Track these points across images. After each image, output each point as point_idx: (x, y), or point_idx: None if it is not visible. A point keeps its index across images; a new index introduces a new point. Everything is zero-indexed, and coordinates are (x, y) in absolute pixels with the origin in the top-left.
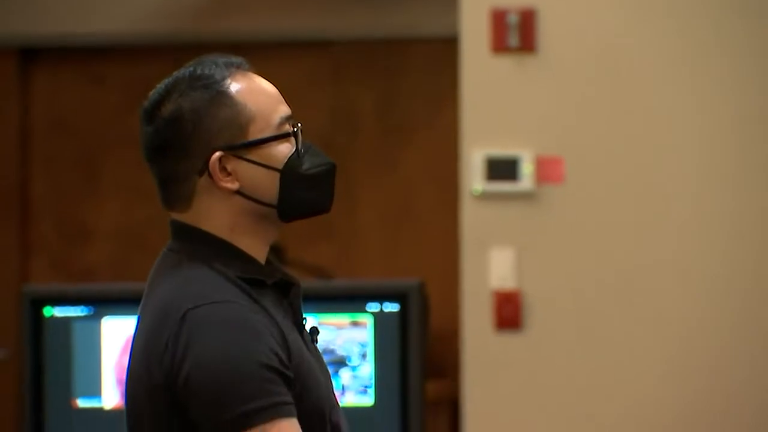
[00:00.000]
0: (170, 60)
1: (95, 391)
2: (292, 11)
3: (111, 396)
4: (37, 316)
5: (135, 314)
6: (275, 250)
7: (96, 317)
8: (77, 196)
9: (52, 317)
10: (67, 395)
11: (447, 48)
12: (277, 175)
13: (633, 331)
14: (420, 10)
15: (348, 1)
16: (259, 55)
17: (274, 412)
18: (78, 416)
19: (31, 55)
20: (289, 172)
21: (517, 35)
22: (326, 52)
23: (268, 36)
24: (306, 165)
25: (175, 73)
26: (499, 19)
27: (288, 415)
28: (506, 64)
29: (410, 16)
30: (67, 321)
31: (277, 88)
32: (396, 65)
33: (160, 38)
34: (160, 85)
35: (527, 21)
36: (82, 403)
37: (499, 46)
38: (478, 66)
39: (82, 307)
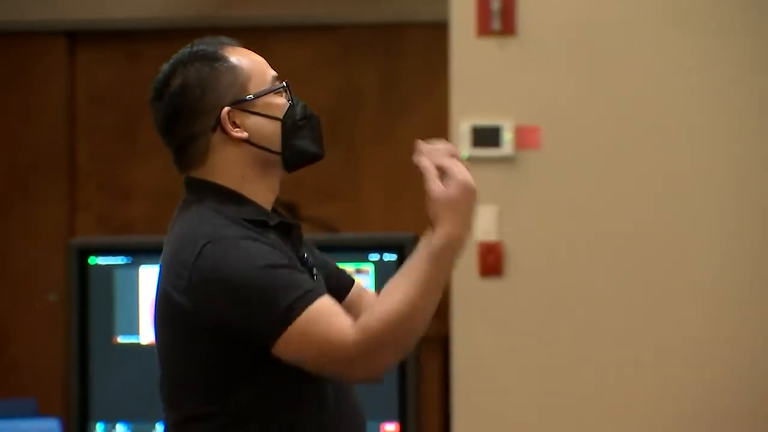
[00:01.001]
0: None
1: (133, 329)
2: (305, 2)
3: (147, 333)
4: (83, 265)
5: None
6: (290, 208)
7: (134, 265)
8: (117, 159)
9: (96, 266)
10: (109, 333)
11: (439, 32)
12: (278, 123)
13: (601, 276)
14: None
15: None
16: (273, 37)
17: (308, 298)
18: (118, 351)
19: (76, 38)
20: (288, 120)
21: (499, 20)
22: (333, 35)
23: (282, 21)
24: (298, 112)
25: (175, 56)
26: (483, 6)
27: (318, 296)
28: (490, 45)
29: (407, 4)
30: (109, 269)
31: (283, 70)
32: (395, 47)
33: (187, 22)
34: (164, 67)
35: (508, 8)
36: (122, 339)
37: (484, 30)
38: (466, 48)
39: (122, 256)
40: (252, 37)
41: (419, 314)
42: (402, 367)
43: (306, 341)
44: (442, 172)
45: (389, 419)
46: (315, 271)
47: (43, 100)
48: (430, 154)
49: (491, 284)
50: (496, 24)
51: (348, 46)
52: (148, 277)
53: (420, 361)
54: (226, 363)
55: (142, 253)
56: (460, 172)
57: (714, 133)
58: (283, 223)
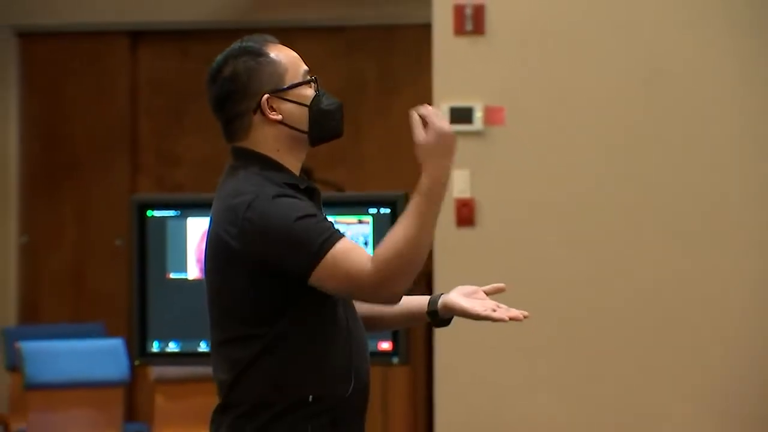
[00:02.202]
0: (233, 39)
1: (182, 268)
2: (317, 4)
3: (193, 270)
4: (142, 217)
5: (209, 216)
6: (306, 172)
7: (182, 217)
8: (169, 134)
9: (152, 217)
10: (163, 270)
11: (424, 32)
12: (306, 109)
13: (553, 226)
14: (407, 5)
15: None
16: (293, 36)
17: (334, 239)
18: (170, 284)
19: (138, 37)
20: (314, 107)
21: (471, 23)
22: (341, 34)
23: (300, 23)
24: (324, 103)
25: (228, 48)
26: (459, 11)
27: (341, 237)
28: (464, 43)
29: (400, 9)
30: (162, 220)
31: (304, 59)
32: (391, 43)
33: (225, 24)
34: (218, 57)
35: (479, 13)
36: (173, 275)
37: (459, 30)
38: (445, 44)
39: (173, 210)
40: (277, 35)
41: (420, 242)
42: None
43: (335, 272)
44: (426, 124)
45: (385, 339)
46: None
47: (112, 87)
48: (420, 113)
49: (465, 232)
50: (469, 26)
51: (352, 42)
52: (194, 226)
53: (409, 293)
54: (263, 296)
55: (188, 208)
56: (438, 122)
57: (645, 104)
58: (309, 187)
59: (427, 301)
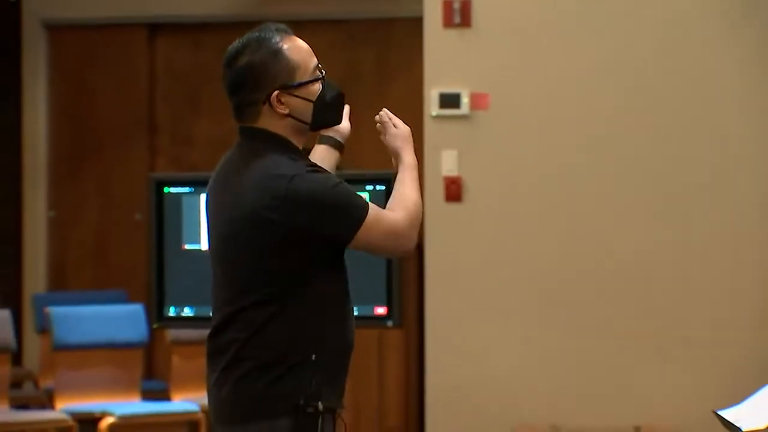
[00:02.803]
0: (244, 32)
1: (196, 239)
2: (323, 1)
3: (205, 242)
4: (160, 193)
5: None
6: (309, 152)
7: (196, 194)
8: (184, 118)
9: (169, 194)
10: (179, 242)
11: (416, 24)
12: (311, 104)
13: (534, 201)
14: (401, 1)
15: None
16: (298, 28)
17: (366, 203)
18: (185, 255)
19: (155, 29)
20: (318, 102)
21: (459, 16)
22: (342, 26)
23: (304, 16)
24: (328, 96)
25: (247, 35)
26: (448, 5)
27: (370, 205)
28: (452, 35)
29: (395, 4)
30: (178, 196)
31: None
32: (387, 35)
33: (236, 17)
34: (236, 43)
35: (466, 7)
36: (188, 246)
37: (448, 23)
38: (435, 36)
39: (187, 187)
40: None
41: (419, 202)
42: (389, 267)
43: (374, 230)
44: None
45: (380, 304)
46: None
47: (131, 75)
48: (385, 115)
49: (453, 207)
50: (457, 19)
51: (352, 34)
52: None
53: (402, 262)
54: (290, 264)
55: (202, 185)
56: (401, 122)
57: (621, 89)
58: (313, 166)
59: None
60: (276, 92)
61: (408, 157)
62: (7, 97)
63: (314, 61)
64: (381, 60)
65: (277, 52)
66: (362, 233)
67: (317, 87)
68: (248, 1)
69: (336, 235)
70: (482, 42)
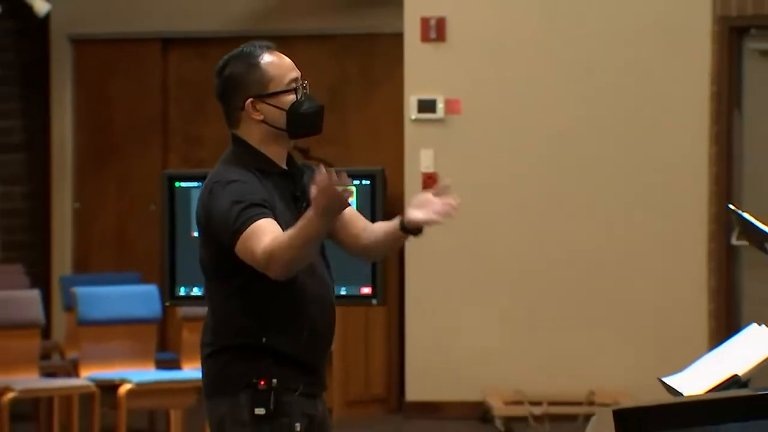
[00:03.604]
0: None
1: None
2: (313, 17)
3: None
4: (172, 187)
5: None
6: (303, 151)
7: None
8: (193, 120)
9: (180, 188)
10: (188, 230)
11: (398, 39)
12: (284, 113)
13: (501, 190)
14: (384, 18)
15: (343, 11)
16: (293, 42)
17: (255, 218)
18: (193, 241)
19: (167, 43)
20: (290, 111)
21: (435, 32)
22: (332, 41)
23: (300, 31)
24: (305, 107)
25: (233, 51)
26: (425, 22)
27: (262, 217)
28: (429, 48)
29: (379, 21)
30: (188, 190)
31: (301, 62)
32: (371, 49)
33: (239, 32)
34: (225, 57)
35: (441, 24)
36: (196, 234)
37: (425, 38)
38: (414, 49)
39: (196, 182)
40: (280, 42)
41: (296, 252)
42: None
43: (242, 249)
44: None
45: (365, 285)
46: (305, 205)
47: (147, 84)
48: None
49: None
50: (433, 34)
51: (341, 47)
52: None
53: None
54: (225, 257)
55: None
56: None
57: (580, 94)
58: (287, 171)
59: (398, 222)
60: (250, 99)
61: (316, 214)
62: (37, 103)
63: (293, 74)
64: (366, 70)
65: (254, 65)
66: (238, 248)
67: (291, 98)
68: (248, 18)
69: (223, 241)
70: (455, 54)
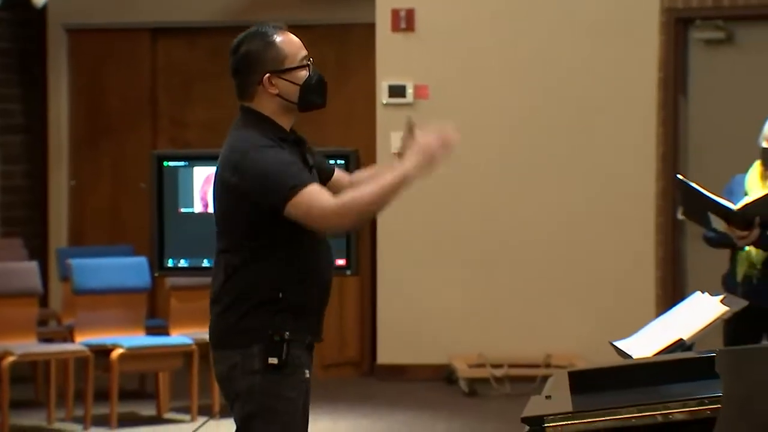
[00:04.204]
0: (229, 35)
1: (190, 204)
2: (293, 8)
3: (198, 206)
4: (160, 166)
5: (211, 167)
6: (297, 136)
7: (190, 167)
8: (180, 105)
9: (168, 167)
10: (175, 206)
11: (370, 29)
12: (298, 87)
13: (466, 171)
14: (357, 9)
15: (321, 3)
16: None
17: (304, 183)
18: (180, 217)
19: (156, 32)
20: (304, 86)
21: (405, 22)
22: (310, 30)
23: (278, 22)
24: (314, 81)
25: (249, 29)
26: (395, 13)
27: (311, 183)
28: (399, 37)
29: (353, 12)
30: (175, 169)
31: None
32: (346, 38)
33: (223, 23)
34: (240, 35)
35: (410, 15)
36: (183, 210)
37: (395, 27)
38: (385, 39)
39: (183, 161)
40: None
41: (375, 207)
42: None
43: (303, 207)
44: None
45: (341, 257)
46: (313, 170)
47: (137, 70)
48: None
49: None
50: (403, 24)
51: (319, 37)
52: (199, 173)
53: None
54: (252, 218)
55: (195, 160)
56: (430, 139)
57: (538, 81)
58: (297, 139)
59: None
60: (267, 75)
61: (411, 167)
62: (35, 89)
63: (303, 52)
64: (341, 58)
65: (271, 43)
66: (291, 206)
67: (304, 73)
68: (232, 10)
69: (270, 203)
70: (424, 43)
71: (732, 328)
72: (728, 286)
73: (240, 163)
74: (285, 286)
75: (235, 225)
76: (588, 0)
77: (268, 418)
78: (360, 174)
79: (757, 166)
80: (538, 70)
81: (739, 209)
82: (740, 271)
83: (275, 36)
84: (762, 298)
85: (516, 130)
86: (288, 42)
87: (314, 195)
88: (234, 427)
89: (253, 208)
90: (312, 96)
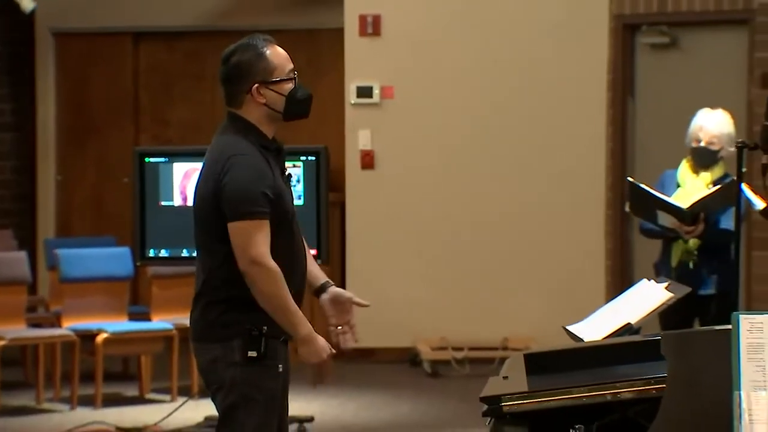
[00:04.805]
0: (207, 39)
1: (170, 198)
2: (267, 14)
3: (177, 200)
4: (142, 162)
5: (189, 162)
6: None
7: (170, 163)
8: (161, 104)
9: (149, 162)
10: (156, 200)
11: (339, 34)
12: (283, 98)
13: (430, 167)
14: (327, 15)
15: (293, 9)
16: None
17: (262, 216)
18: (161, 210)
19: (138, 36)
20: (290, 98)
21: (371, 28)
22: (282, 34)
23: (255, 27)
24: (300, 94)
25: (240, 41)
26: (363, 19)
27: (266, 218)
28: (365, 42)
29: (323, 18)
30: (156, 164)
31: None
32: (317, 41)
33: (201, 27)
34: (232, 46)
35: (377, 21)
36: (163, 203)
37: (363, 33)
38: (353, 43)
39: (163, 158)
40: (236, 36)
41: (274, 309)
42: (319, 219)
43: (242, 238)
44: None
45: (312, 247)
46: (288, 179)
47: (120, 72)
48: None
49: (368, 173)
50: (369, 30)
51: (291, 40)
52: (178, 169)
53: (329, 215)
54: (224, 222)
55: (174, 156)
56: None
57: (495, 81)
58: (278, 147)
59: (319, 285)
60: (256, 85)
61: (307, 340)
62: (24, 89)
63: (290, 65)
64: (312, 60)
65: (261, 55)
66: (235, 227)
67: (290, 85)
68: (209, 15)
69: (226, 212)
70: (389, 47)
71: (666, 313)
72: (661, 272)
73: (222, 170)
74: None
75: (211, 226)
76: (542, 7)
77: (249, 408)
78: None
79: (686, 162)
80: (496, 72)
81: (689, 208)
82: (675, 258)
83: (265, 49)
84: (695, 283)
85: (475, 128)
86: (277, 55)
87: (260, 238)
88: (211, 407)
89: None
90: (297, 107)
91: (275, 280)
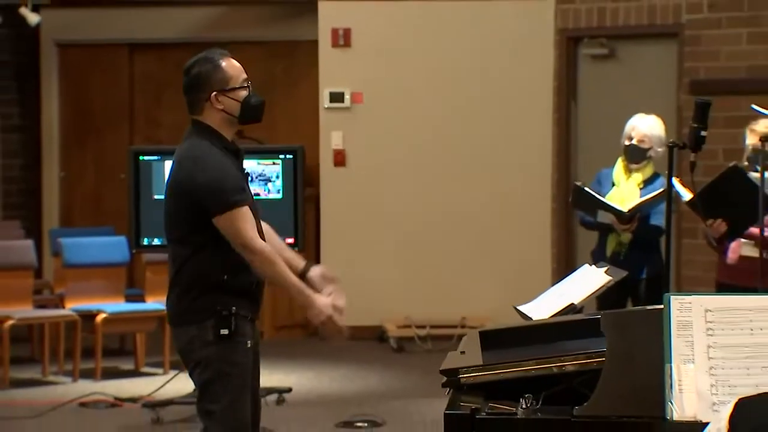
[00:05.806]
0: (195, 50)
1: (162, 192)
2: (248, 28)
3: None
4: (137, 160)
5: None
6: (238, 132)
7: (162, 160)
8: (153, 108)
9: (143, 160)
10: (150, 194)
11: (313, 45)
12: (239, 104)
13: (397, 164)
14: (302, 28)
15: (271, 23)
16: (233, 47)
17: (241, 203)
18: (154, 202)
19: (134, 47)
20: (245, 103)
21: (342, 39)
22: (263, 46)
23: (238, 38)
24: (252, 100)
25: (199, 54)
26: (335, 32)
27: (245, 204)
28: (337, 52)
29: (298, 31)
30: (150, 162)
31: (240, 63)
32: (293, 52)
33: (191, 39)
34: (192, 59)
35: (347, 33)
36: (156, 197)
37: (335, 44)
38: (326, 53)
39: (156, 156)
40: (222, 47)
41: (272, 277)
42: (296, 210)
43: (232, 226)
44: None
45: (289, 236)
46: (248, 178)
47: (117, 80)
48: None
49: (340, 170)
50: (341, 41)
51: (270, 51)
52: (169, 166)
53: (305, 207)
54: (197, 215)
55: (166, 155)
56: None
57: (456, 87)
58: (236, 150)
59: (303, 267)
60: (214, 93)
61: (308, 296)
62: (30, 94)
63: (244, 75)
64: (289, 69)
65: (217, 66)
66: (223, 219)
67: (244, 93)
68: (198, 28)
69: (207, 208)
70: (359, 57)
71: (603, 294)
72: (596, 259)
73: (191, 168)
74: (228, 272)
75: (183, 220)
76: (496, 21)
77: (224, 382)
78: (281, 249)
79: (620, 161)
80: (455, 79)
81: (629, 212)
82: (609, 248)
83: (221, 61)
84: (627, 270)
85: (436, 129)
86: (232, 66)
87: (246, 223)
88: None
89: (198, 208)
90: (251, 111)
91: (267, 261)
